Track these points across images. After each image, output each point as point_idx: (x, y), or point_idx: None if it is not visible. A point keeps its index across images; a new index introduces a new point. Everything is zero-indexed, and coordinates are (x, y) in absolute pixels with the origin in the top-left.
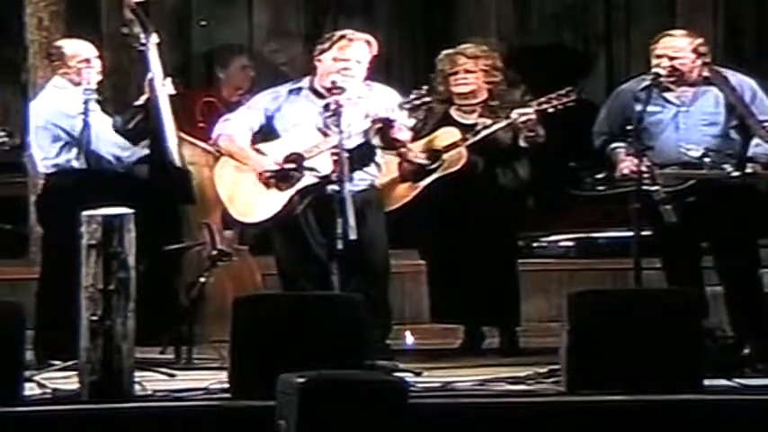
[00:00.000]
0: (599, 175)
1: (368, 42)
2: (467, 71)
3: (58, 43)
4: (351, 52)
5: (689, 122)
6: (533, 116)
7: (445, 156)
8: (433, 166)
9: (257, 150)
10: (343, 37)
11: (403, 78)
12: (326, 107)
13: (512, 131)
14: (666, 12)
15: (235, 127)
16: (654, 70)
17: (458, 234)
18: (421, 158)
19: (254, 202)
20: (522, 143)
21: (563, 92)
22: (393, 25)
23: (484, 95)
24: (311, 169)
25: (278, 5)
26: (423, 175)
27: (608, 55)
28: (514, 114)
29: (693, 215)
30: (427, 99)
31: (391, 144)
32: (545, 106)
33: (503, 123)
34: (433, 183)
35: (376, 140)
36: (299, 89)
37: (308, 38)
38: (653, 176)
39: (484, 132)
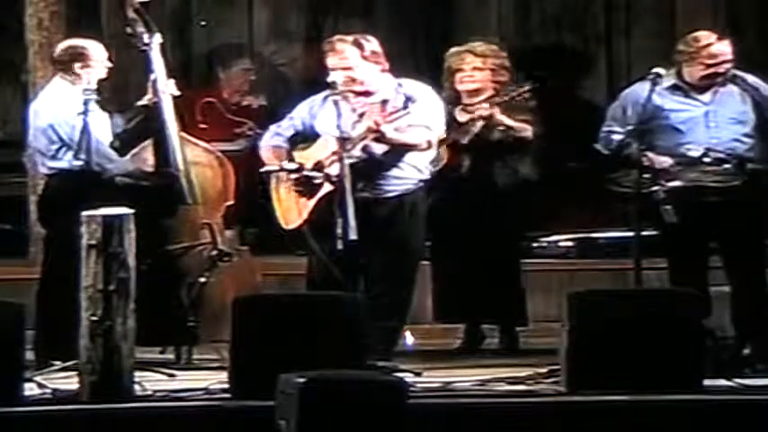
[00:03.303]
0: (631, 175)
1: (356, 43)
2: (474, 68)
3: (80, 43)
4: (337, 60)
5: (719, 121)
6: (490, 112)
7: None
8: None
9: (291, 158)
10: (328, 45)
11: (402, 78)
12: (352, 111)
13: (497, 130)
14: (666, 12)
15: (275, 138)
16: (686, 69)
17: (460, 233)
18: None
19: (292, 209)
20: (512, 140)
21: (522, 86)
22: (393, 25)
23: (489, 94)
24: (324, 176)
25: (278, 6)
26: None
27: (608, 55)
28: (477, 112)
29: (701, 215)
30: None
31: (405, 148)
32: (497, 100)
33: (470, 118)
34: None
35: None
36: (331, 94)
37: (308, 39)
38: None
39: (467, 132)
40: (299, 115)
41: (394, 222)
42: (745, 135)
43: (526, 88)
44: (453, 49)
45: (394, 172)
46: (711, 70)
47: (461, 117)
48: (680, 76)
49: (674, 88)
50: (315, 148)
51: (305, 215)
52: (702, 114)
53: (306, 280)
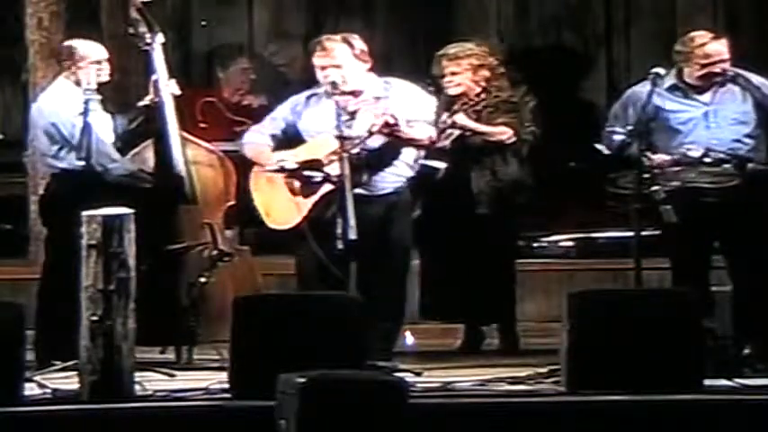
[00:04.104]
0: (628, 176)
1: (346, 41)
2: (452, 73)
3: (72, 43)
4: (327, 59)
5: (719, 121)
6: (452, 119)
7: None
8: None
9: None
10: (317, 44)
11: (402, 77)
12: (343, 110)
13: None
14: (666, 12)
15: (258, 136)
16: (685, 69)
17: (443, 235)
18: None
19: (283, 208)
20: (486, 143)
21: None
22: (393, 25)
23: (479, 94)
24: (324, 175)
25: (278, 5)
26: None
27: (608, 55)
28: (442, 118)
29: (702, 215)
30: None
31: (410, 144)
32: (463, 107)
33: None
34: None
35: (394, 142)
36: (318, 94)
37: (308, 38)
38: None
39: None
40: (282, 115)
41: (390, 220)
42: (747, 135)
43: (483, 97)
44: (435, 55)
45: (390, 169)
46: (707, 70)
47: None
48: (679, 76)
49: (673, 89)
50: (310, 148)
51: (303, 214)
52: (702, 115)
53: (297, 280)
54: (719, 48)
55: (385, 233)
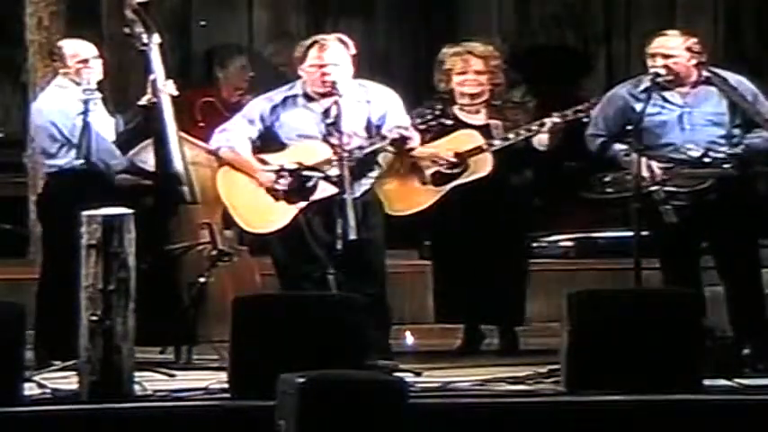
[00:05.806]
0: (607, 178)
1: (342, 41)
2: (477, 72)
3: (60, 43)
4: (325, 57)
5: (694, 123)
6: (559, 126)
7: (470, 161)
8: (458, 170)
9: (262, 161)
10: (314, 43)
11: (403, 78)
12: (326, 113)
13: (524, 138)
14: (666, 12)
15: (235, 138)
16: (652, 71)
17: (465, 234)
18: (445, 164)
19: (262, 212)
20: (540, 147)
21: (591, 103)
22: (394, 25)
23: (487, 95)
24: (323, 177)
25: (278, 6)
26: (447, 179)
27: (608, 55)
28: (549, 123)
29: (694, 215)
30: (439, 115)
31: (403, 150)
32: (571, 118)
33: (535, 127)
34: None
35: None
36: (294, 96)
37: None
38: (663, 177)
39: (515, 138)
40: (259, 114)
41: (365, 221)
42: (721, 137)
43: (586, 105)
44: (452, 50)
45: (370, 172)
46: (655, 67)
47: (467, 119)
48: (653, 77)
49: (649, 90)
50: (296, 153)
51: (288, 219)
52: (676, 117)
53: (279, 279)
54: (665, 42)
55: (363, 230)
